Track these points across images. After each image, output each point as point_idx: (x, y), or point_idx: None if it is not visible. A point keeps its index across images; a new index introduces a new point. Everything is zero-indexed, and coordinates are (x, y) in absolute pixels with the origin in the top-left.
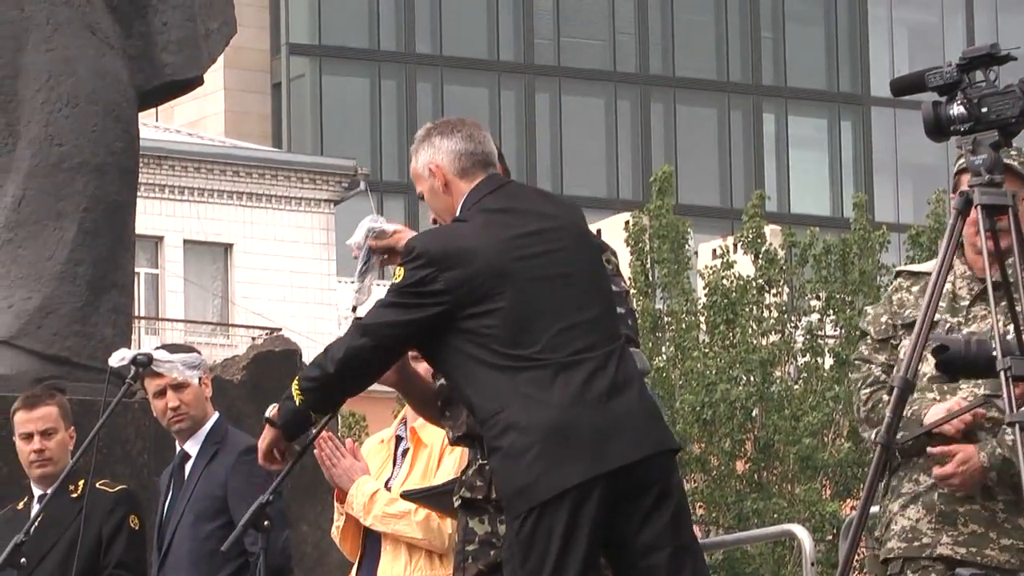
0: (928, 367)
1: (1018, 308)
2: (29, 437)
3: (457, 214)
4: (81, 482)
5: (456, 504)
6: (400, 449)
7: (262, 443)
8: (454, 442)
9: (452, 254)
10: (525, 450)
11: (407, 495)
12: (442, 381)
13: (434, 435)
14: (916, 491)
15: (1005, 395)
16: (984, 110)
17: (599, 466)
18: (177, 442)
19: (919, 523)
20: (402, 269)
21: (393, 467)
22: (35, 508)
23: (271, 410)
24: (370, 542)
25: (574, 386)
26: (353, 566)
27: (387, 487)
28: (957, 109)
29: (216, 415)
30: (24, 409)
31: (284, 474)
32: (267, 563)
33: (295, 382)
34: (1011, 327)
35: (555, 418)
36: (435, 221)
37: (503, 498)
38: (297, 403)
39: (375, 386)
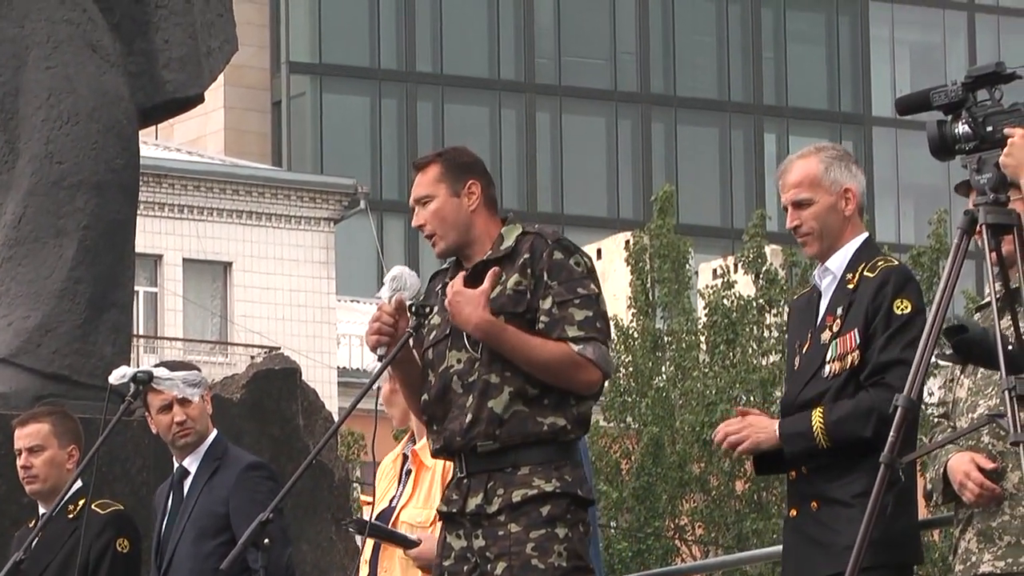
0: (982, 407)
1: (1023, 328)
2: (19, 453)
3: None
4: (81, 502)
5: (435, 516)
6: (405, 468)
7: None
8: (433, 454)
9: None
10: None
11: (372, 528)
12: (426, 397)
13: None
14: (969, 513)
15: (1009, 415)
16: (989, 129)
17: None
18: (175, 459)
19: (970, 543)
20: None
21: (398, 486)
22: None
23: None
24: (375, 563)
25: None
26: None
27: (391, 505)
28: (962, 128)
29: (215, 432)
30: (18, 426)
31: (287, 488)
32: None
33: (823, 425)
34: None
35: None
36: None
37: None
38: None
39: (380, 406)
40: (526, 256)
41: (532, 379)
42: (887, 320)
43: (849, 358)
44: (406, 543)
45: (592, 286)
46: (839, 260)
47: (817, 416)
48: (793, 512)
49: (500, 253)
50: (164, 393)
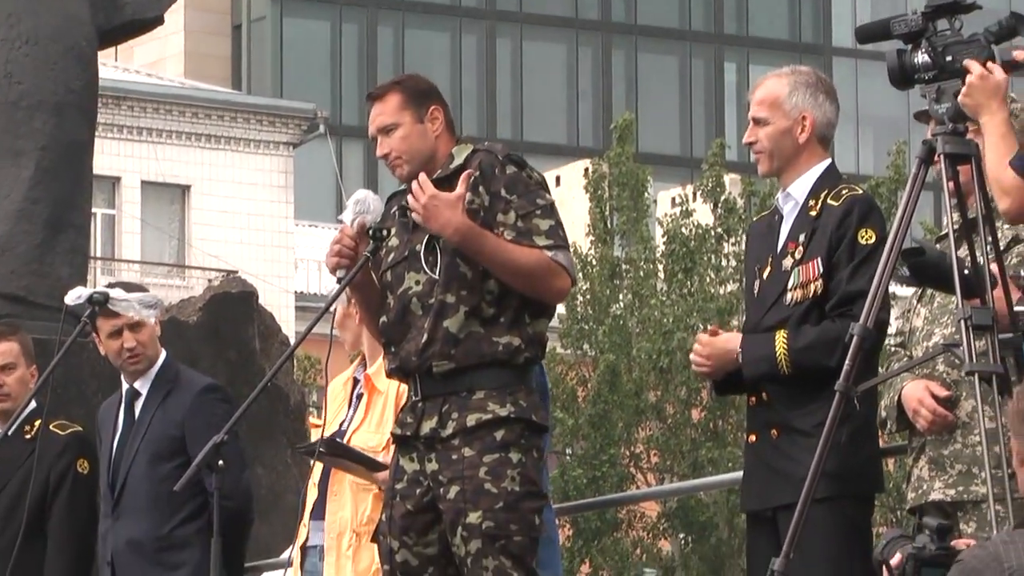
0: (938, 336)
1: (979, 257)
2: None
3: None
4: (37, 423)
5: (387, 441)
6: (356, 392)
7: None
8: (387, 374)
9: None
10: None
11: (336, 447)
12: (385, 319)
13: (389, 383)
14: (922, 442)
15: (964, 344)
16: (949, 59)
17: None
18: (124, 379)
19: (922, 471)
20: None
21: (348, 409)
22: None
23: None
24: (324, 486)
25: None
26: (305, 511)
27: (341, 429)
28: (922, 57)
29: (164, 353)
30: None
31: (242, 410)
32: (225, 503)
33: (786, 351)
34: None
35: None
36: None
37: None
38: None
39: (334, 330)
40: (476, 174)
41: (487, 299)
42: (851, 250)
43: (812, 286)
44: (374, 465)
45: (548, 196)
46: (802, 186)
47: (781, 340)
48: (752, 438)
49: (449, 171)
50: (114, 318)
